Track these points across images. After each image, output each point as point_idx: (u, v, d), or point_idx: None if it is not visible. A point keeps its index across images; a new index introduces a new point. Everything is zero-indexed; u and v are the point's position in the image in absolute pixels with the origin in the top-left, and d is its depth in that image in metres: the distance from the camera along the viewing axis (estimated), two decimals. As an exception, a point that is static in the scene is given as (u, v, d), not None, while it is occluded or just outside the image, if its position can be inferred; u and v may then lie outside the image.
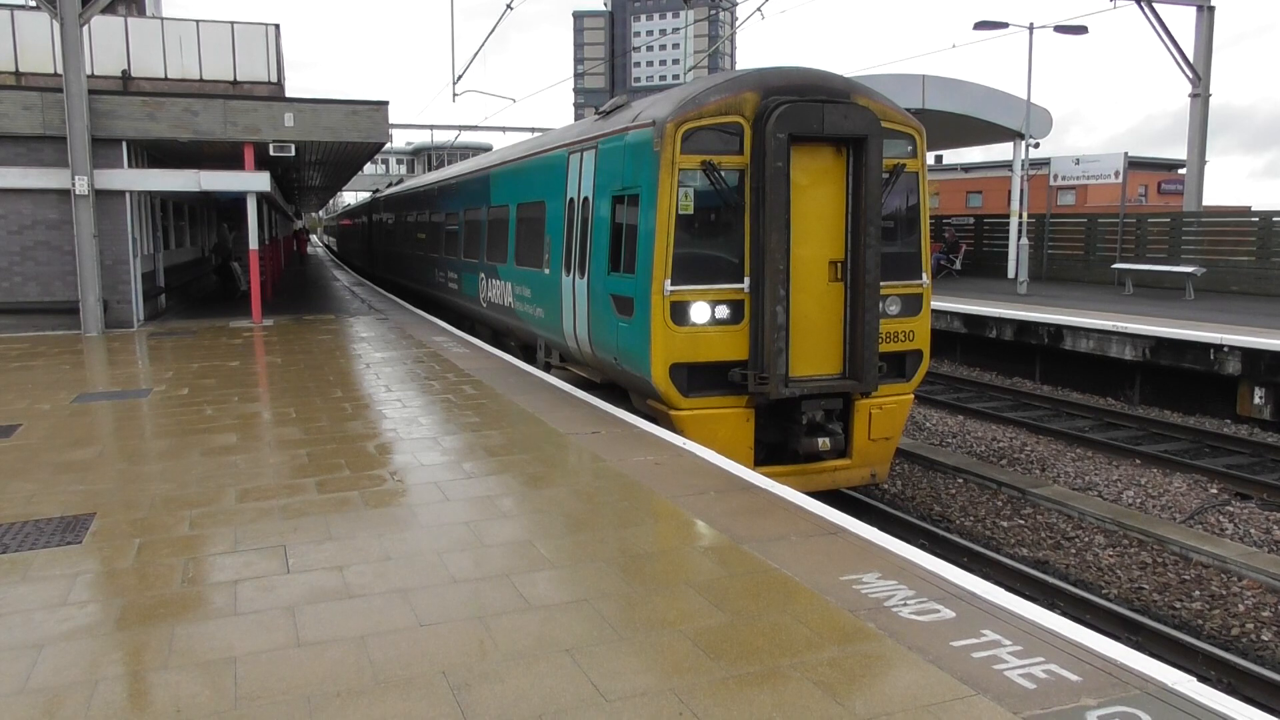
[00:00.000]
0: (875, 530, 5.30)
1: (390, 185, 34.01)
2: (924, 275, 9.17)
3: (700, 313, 8.38)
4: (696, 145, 8.28)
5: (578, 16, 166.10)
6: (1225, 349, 13.19)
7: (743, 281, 8.41)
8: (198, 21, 20.53)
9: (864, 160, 8.31)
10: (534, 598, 4.35)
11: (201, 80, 20.26)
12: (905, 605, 4.24)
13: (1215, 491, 10.38)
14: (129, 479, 6.45)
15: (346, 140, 16.09)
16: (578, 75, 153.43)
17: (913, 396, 9.41)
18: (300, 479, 6.40)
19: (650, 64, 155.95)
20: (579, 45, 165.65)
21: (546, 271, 11.49)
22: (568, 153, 11.05)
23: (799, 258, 8.37)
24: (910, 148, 8.96)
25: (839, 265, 8.56)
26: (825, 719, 3.28)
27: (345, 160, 21.33)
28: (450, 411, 8.64)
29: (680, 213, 8.33)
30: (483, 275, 15.17)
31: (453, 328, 15.76)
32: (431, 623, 4.09)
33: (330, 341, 13.87)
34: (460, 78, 27.47)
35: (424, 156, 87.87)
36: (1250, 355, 12.90)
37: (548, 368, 12.08)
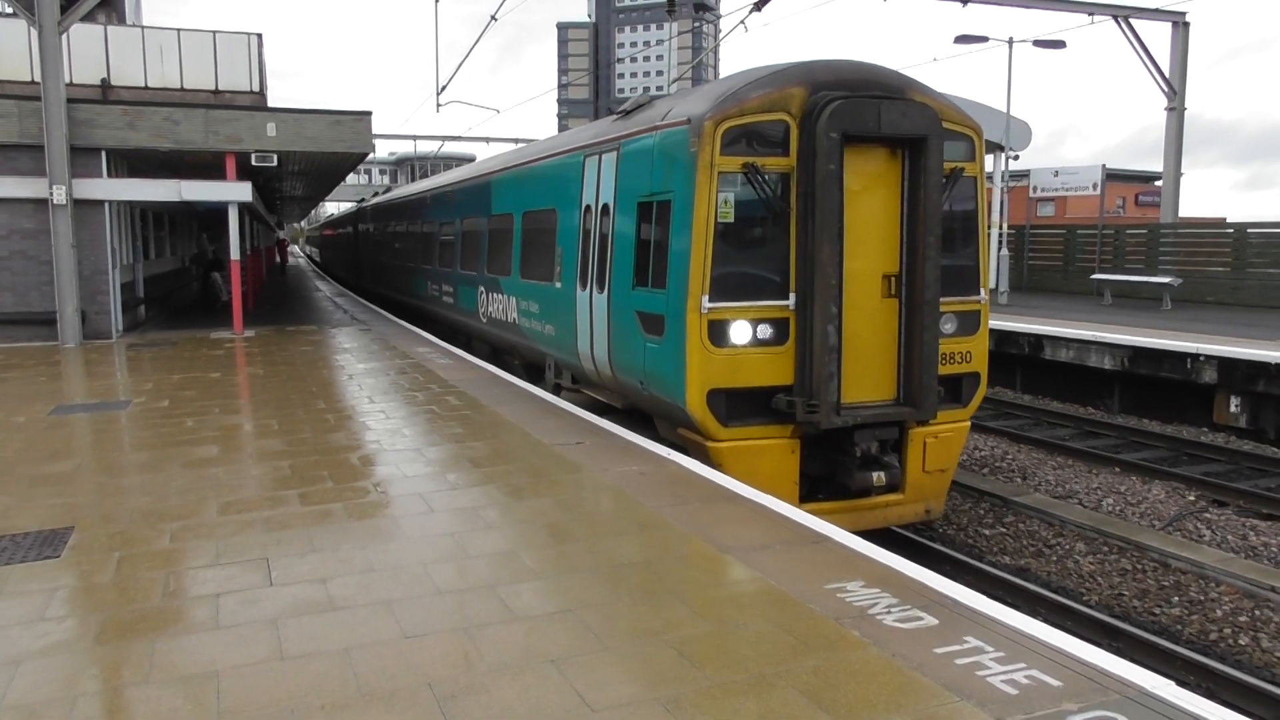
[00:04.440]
0: (858, 539, 5.32)
1: (378, 194, 33.68)
2: (981, 290, 8.40)
3: (741, 333, 7.57)
4: (738, 146, 7.52)
5: (561, 28, 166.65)
6: (1202, 358, 13.35)
7: (788, 298, 7.62)
8: (179, 30, 20.42)
9: (922, 163, 7.55)
10: (519, 608, 4.34)
11: (183, 89, 20.13)
12: (888, 613, 4.26)
13: (1193, 499, 10.49)
14: (108, 492, 6.38)
15: (329, 150, 16.02)
16: (562, 86, 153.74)
17: (969, 424, 8.58)
18: (283, 491, 6.36)
19: (634, 75, 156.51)
20: (563, 57, 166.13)
21: (558, 285, 10.64)
22: (584, 156, 10.21)
23: (849, 271, 7.60)
24: (968, 149, 8.29)
25: (893, 279, 7.79)
26: (810, 727, 3.29)
27: (328, 170, 21.26)
28: (434, 423, 8.61)
29: (720, 221, 7.54)
30: (483, 289, 14.39)
31: (436, 339, 15.71)
32: (416, 634, 4.07)
33: (313, 353, 13.79)
34: (444, 88, 27.45)
35: (407, 167, 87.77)
36: (1226, 364, 13.07)
37: (558, 389, 11.32)
